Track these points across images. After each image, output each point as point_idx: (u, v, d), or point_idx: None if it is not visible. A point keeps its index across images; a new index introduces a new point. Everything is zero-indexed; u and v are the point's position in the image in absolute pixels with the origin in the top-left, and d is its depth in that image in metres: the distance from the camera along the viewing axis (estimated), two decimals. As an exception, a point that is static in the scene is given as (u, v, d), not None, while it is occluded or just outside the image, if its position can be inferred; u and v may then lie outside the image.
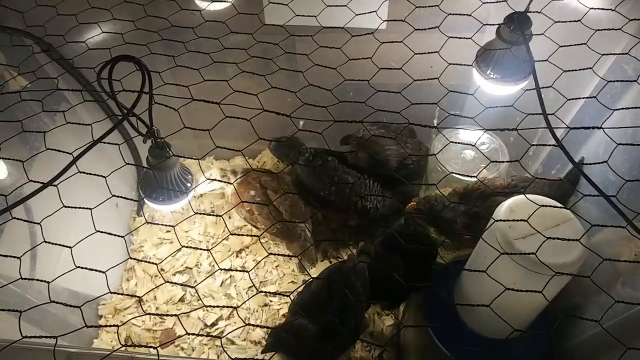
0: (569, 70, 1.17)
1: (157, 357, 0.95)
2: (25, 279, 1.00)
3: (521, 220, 1.15)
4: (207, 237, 2.41)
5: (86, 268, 1.00)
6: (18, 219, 1.08)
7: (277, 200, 2.03)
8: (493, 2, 1.33)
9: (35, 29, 1.48)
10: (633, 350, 0.89)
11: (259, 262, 2.26)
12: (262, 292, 2.19)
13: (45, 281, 1.02)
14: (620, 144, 1.06)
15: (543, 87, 1.15)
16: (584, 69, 1.16)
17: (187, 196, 1.41)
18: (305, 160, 2.09)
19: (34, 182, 1.05)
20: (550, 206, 1.19)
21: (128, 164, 1.17)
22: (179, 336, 2.08)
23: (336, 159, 2.07)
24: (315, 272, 2.21)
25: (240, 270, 2.24)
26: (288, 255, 1.87)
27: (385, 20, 1.58)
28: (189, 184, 1.44)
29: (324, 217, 2.30)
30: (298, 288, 2.16)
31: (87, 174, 1.07)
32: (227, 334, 2.08)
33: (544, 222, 1.18)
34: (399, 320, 2.00)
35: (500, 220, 1.23)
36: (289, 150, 2.11)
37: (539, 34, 1.28)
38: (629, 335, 1.24)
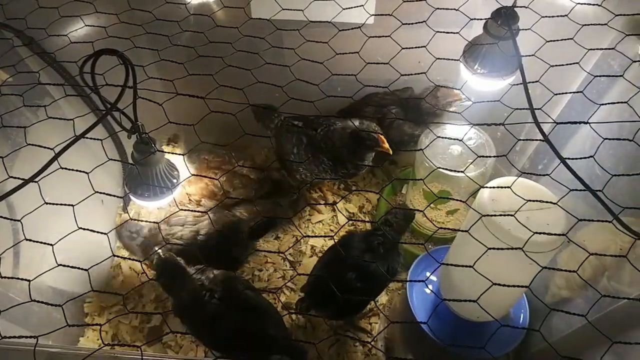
0: (556, 65, 1.18)
1: (142, 357, 0.93)
2: (6, 277, 0.97)
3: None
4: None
5: (68, 266, 0.98)
6: (-1, 216, 1.06)
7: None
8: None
9: (15, 22, 1.44)
10: (618, 344, 0.90)
11: (247, 260, 2.24)
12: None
13: (26, 279, 1.00)
14: (606, 138, 1.06)
15: (530, 82, 1.15)
16: (570, 64, 1.17)
17: (173, 192, 1.40)
18: (274, 125, 2.12)
19: (15, 178, 1.03)
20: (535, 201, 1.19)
21: (111, 159, 1.15)
22: (166, 334, 2.06)
23: (301, 122, 2.05)
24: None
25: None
26: (276, 252, 1.85)
27: (373, 15, 1.57)
28: (174, 180, 1.42)
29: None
30: (286, 282, 2.16)
31: (69, 169, 1.04)
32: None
33: (528, 205, 1.19)
34: (384, 315, 2.01)
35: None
36: (266, 116, 2.14)
37: (525, 29, 1.28)
38: (615, 329, 1.26)
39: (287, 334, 1.65)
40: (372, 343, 2.01)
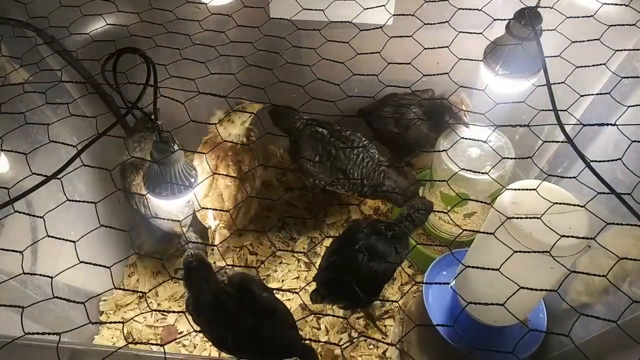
0: (581, 66, 1.16)
1: (162, 355, 0.93)
2: (28, 273, 0.98)
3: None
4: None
5: (91, 263, 0.98)
6: (20, 212, 1.06)
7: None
8: (503, -3, 1.31)
9: (37, 21, 1.45)
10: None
11: (263, 261, 2.24)
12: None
13: (48, 276, 1.00)
14: (635, 140, 1.04)
15: (554, 83, 1.13)
16: (597, 65, 1.14)
17: (192, 191, 1.40)
18: (296, 129, 2.09)
19: (37, 174, 1.03)
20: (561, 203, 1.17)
21: (132, 157, 1.15)
22: (181, 333, 2.07)
23: (326, 130, 2.05)
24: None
25: (244, 266, 2.22)
26: (292, 251, 1.85)
27: (393, 15, 1.56)
28: (193, 180, 1.42)
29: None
30: (304, 286, 2.15)
31: (91, 167, 1.05)
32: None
33: (551, 208, 1.17)
34: (408, 317, 1.99)
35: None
36: (284, 117, 2.10)
37: (550, 30, 1.26)
38: (637, 335, 1.23)
39: (301, 337, 1.64)
40: (389, 344, 1.99)
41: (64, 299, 0.95)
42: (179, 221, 1.86)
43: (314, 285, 2.14)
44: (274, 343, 1.52)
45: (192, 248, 1.74)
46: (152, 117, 1.22)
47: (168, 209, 1.88)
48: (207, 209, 1.91)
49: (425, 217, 1.72)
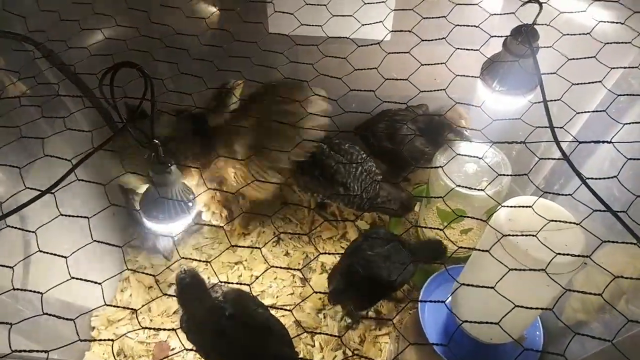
0: (578, 84, 1.16)
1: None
2: (19, 289, 0.96)
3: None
4: (200, 250, 2.37)
5: (82, 279, 0.96)
6: (13, 227, 1.05)
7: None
8: (500, 15, 1.32)
9: (36, 34, 1.46)
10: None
11: (258, 277, 2.22)
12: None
13: (39, 292, 0.98)
14: (631, 158, 1.04)
15: (550, 100, 1.14)
16: (593, 82, 1.15)
17: (189, 215, 1.36)
18: None
19: (31, 189, 1.02)
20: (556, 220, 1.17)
21: (128, 172, 1.14)
22: (173, 349, 2.03)
23: (325, 145, 2.05)
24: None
25: (239, 283, 2.20)
26: (287, 268, 1.83)
27: (391, 31, 1.57)
28: (190, 204, 1.38)
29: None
30: (299, 303, 2.13)
31: (86, 181, 1.04)
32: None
33: (547, 226, 1.17)
34: (402, 335, 1.97)
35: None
36: None
37: (547, 47, 1.27)
38: (634, 355, 1.22)
39: (296, 354, 1.62)
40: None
41: (54, 315, 0.93)
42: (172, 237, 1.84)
43: (308, 302, 2.13)
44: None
45: (185, 265, 1.72)
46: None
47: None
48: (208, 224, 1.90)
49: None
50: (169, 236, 2.14)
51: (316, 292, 2.16)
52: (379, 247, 1.82)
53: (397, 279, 1.74)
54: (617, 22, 1.23)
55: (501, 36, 1.35)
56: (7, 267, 1.00)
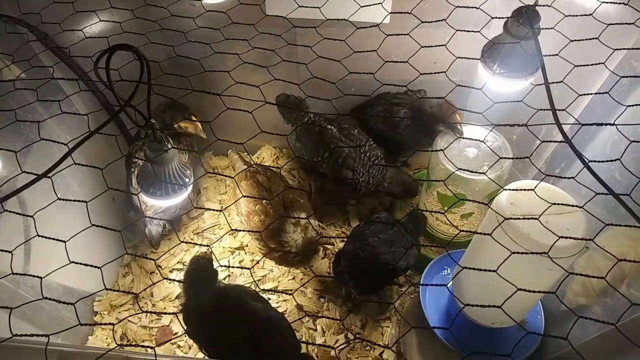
0: (580, 65, 1.14)
1: (154, 357, 0.91)
2: (17, 274, 0.96)
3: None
4: (201, 235, 2.38)
5: (81, 263, 0.96)
6: (10, 211, 1.04)
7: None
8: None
9: (30, 17, 1.43)
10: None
11: (258, 261, 2.22)
12: (262, 290, 2.16)
13: (38, 277, 0.98)
14: (634, 141, 1.03)
15: (552, 83, 1.12)
16: (595, 64, 1.13)
17: (186, 191, 1.38)
18: (304, 124, 2.07)
19: (28, 173, 1.02)
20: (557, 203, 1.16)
21: (125, 155, 1.13)
22: (176, 334, 2.05)
23: (335, 128, 2.04)
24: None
25: (240, 267, 2.20)
26: (289, 251, 1.83)
27: (390, 13, 1.55)
28: (187, 179, 1.40)
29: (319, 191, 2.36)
30: (300, 287, 2.14)
31: (83, 165, 1.03)
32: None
33: (549, 209, 1.16)
34: (404, 319, 1.98)
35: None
36: (293, 111, 2.07)
37: (548, 28, 1.25)
38: (637, 338, 1.22)
39: (298, 343, 1.63)
40: (385, 347, 1.98)
41: (54, 300, 0.93)
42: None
43: (309, 286, 2.14)
44: (271, 352, 1.50)
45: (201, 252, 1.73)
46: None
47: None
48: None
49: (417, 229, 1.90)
50: (157, 225, 2.14)
51: (317, 276, 2.16)
52: (383, 232, 1.84)
53: (403, 264, 1.76)
54: (620, 3, 1.21)
55: (502, 18, 1.33)
56: (6, 251, 1.00)
